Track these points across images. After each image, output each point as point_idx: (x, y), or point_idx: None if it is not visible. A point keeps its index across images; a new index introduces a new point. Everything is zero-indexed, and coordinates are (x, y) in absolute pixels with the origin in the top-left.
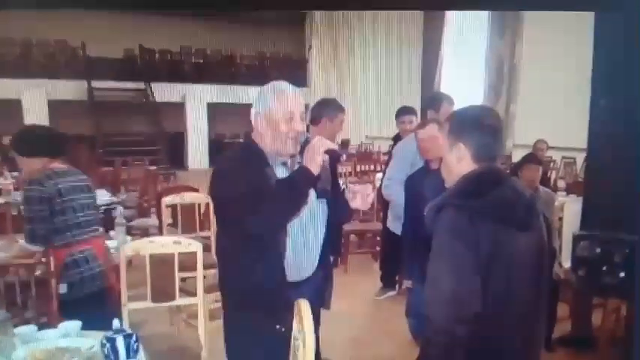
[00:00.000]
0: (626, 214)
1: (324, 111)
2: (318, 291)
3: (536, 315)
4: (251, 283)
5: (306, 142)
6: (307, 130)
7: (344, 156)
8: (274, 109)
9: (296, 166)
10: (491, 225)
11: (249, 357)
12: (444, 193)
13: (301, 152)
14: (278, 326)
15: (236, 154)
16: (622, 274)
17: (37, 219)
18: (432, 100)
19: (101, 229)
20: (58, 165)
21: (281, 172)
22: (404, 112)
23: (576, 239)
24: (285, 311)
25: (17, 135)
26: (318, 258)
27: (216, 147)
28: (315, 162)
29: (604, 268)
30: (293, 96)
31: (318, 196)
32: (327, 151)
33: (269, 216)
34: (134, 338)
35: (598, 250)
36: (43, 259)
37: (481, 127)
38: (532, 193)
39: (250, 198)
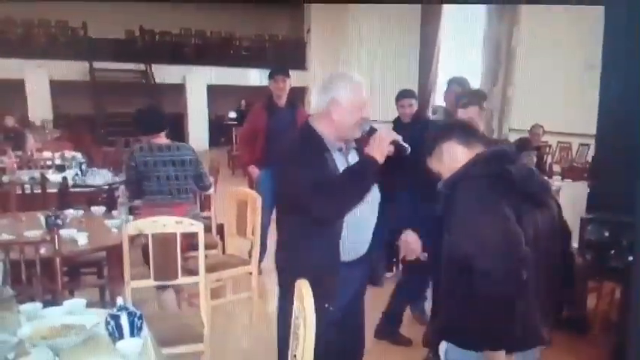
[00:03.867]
0: (634, 198)
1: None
2: (369, 270)
3: (546, 288)
4: (308, 263)
5: (371, 131)
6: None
7: (409, 149)
8: (348, 99)
9: (351, 152)
10: (514, 197)
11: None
12: (457, 171)
13: (360, 140)
14: (327, 305)
15: (298, 141)
16: (630, 258)
17: (130, 181)
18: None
19: (188, 197)
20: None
21: (338, 157)
22: (404, 95)
23: (584, 222)
24: (335, 291)
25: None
26: (370, 239)
27: (216, 128)
28: (382, 152)
29: (612, 251)
30: (363, 85)
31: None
32: (393, 142)
33: (336, 203)
34: (137, 316)
35: (606, 233)
36: (48, 238)
37: (446, 125)
38: (539, 173)
39: (315, 184)
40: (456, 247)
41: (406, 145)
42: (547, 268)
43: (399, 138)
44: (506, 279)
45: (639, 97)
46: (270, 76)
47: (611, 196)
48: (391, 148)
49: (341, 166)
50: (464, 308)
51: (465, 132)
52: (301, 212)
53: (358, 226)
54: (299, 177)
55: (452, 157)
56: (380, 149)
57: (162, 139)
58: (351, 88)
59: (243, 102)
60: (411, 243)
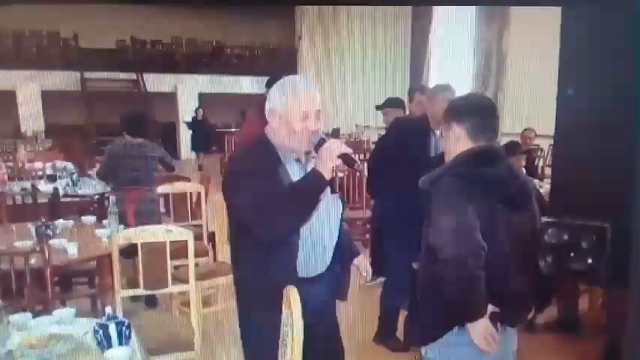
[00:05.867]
0: (593, 201)
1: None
2: (334, 284)
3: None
4: (263, 282)
5: (321, 142)
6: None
7: (358, 162)
8: (288, 108)
9: (310, 162)
10: (486, 198)
11: (264, 351)
12: (440, 167)
13: (316, 151)
14: None
15: (248, 154)
16: (590, 261)
17: (103, 166)
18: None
19: (150, 184)
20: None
21: (294, 169)
22: (386, 104)
23: (545, 226)
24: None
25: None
26: (331, 255)
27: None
28: (328, 167)
29: (571, 254)
30: (308, 94)
31: (332, 191)
32: (341, 156)
33: (279, 223)
34: (126, 325)
35: (565, 236)
36: (38, 248)
37: (470, 105)
38: (526, 176)
39: (260, 205)
40: (429, 243)
41: (356, 160)
42: (523, 268)
43: (349, 151)
44: (459, 267)
45: (596, 101)
46: (268, 86)
47: (571, 199)
48: (339, 162)
49: (296, 178)
50: (436, 300)
51: (481, 123)
52: (246, 230)
53: (316, 245)
54: (243, 192)
55: (455, 140)
56: (326, 164)
57: (137, 139)
58: (289, 98)
59: (200, 111)
60: (361, 270)
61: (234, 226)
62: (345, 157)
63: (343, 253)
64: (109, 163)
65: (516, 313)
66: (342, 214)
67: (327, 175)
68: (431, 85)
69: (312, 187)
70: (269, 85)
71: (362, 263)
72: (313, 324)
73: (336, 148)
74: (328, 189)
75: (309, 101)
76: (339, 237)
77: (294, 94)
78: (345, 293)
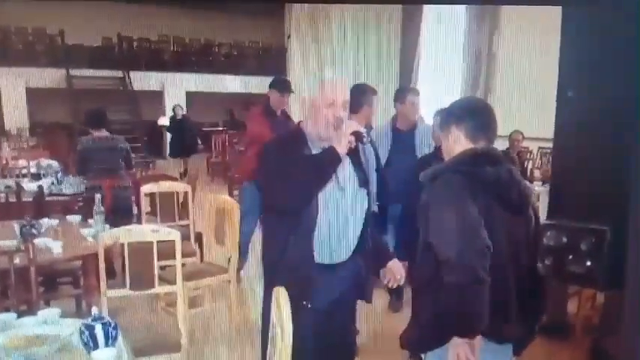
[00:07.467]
0: (591, 204)
1: (363, 99)
2: (357, 279)
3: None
4: (282, 258)
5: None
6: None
7: (368, 138)
8: (317, 95)
9: None
10: (486, 198)
11: None
12: (440, 164)
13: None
14: (305, 302)
15: (281, 138)
16: (588, 263)
17: (76, 161)
18: (398, 92)
19: (119, 173)
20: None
21: None
22: None
23: (543, 229)
24: (312, 288)
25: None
26: (353, 245)
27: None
28: (341, 143)
29: (570, 257)
30: (336, 84)
31: (360, 185)
32: (354, 133)
33: (293, 187)
34: (112, 325)
35: (564, 239)
36: (22, 247)
37: (466, 108)
38: (526, 184)
39: (283, 175)
40: (427, 242)
41: (365, 136)
42: (516, 274)
43: (360, 128)
44: (462, 268)
45: (596, 104)
46: (274, 88)
47: (570, 201)
48: (352, 138)
49: None
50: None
51: (478, 124)
52: (273, 204)
53: (334, 230)
54: (270, 171)
55: (454, 142)
56: (340, 140)
57: (102, 133)
58: (318, 87)
59: (180, 109)
60: (395, 272)
61: (264, 204)
62: (356, 134)
63: (369, 252)
64: (81, 159)
65: (506, 327)
66: (367, 210)
67: (341, 151)
68: (420, 86)
69: (326, 158)
70: (272, 85)
71: (396, 266)
72: (327, 312)
73: (349, 125)
74: (356, 181)
75: (336, 90)
76: (362, 232)
77: (323, 83)
78: (370, 294)
